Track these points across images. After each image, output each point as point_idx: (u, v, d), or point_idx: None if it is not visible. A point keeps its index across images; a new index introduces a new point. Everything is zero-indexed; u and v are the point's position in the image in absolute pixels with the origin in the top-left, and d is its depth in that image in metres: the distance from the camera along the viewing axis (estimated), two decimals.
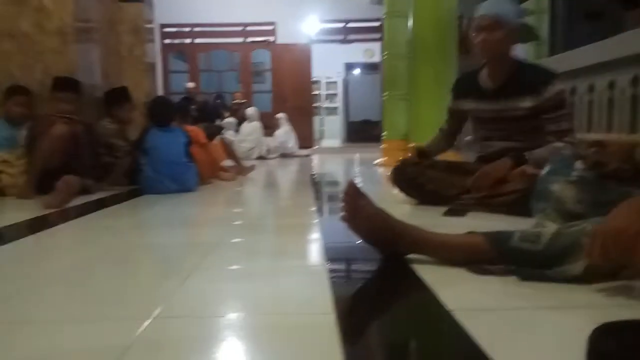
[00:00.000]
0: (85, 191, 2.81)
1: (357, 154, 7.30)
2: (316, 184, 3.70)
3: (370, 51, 11.17)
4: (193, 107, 6.19)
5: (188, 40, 9.86)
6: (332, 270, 1.29)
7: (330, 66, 11.44)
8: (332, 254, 1.47)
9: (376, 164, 5.11)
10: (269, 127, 7.50)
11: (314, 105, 10.40)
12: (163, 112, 3.24)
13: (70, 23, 3.42)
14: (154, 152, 3.04)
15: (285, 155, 7.35)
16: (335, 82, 12.36)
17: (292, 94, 9.40)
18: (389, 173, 2.44)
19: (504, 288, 1.10)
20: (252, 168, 4.50)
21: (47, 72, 3.32)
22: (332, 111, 12.45)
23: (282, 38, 9.71)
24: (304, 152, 7.89)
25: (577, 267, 1.06)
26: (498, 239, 1.19)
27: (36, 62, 3.38)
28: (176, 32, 9.75)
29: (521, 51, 2.26)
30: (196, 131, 3.75)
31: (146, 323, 0.94)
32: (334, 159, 6.95)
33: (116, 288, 1.22)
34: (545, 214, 1.45)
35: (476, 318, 0.93)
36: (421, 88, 3.90)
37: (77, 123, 3.05)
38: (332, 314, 0.97)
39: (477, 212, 2.05)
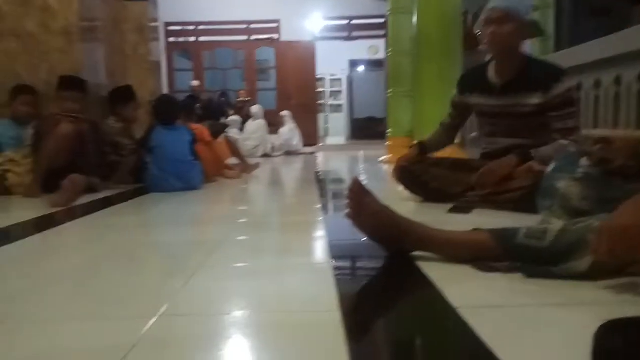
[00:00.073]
0: (91, 190, 2.83)
1: (362, 151, 7.29)
2: (321, 182, 3.70)
3: (374, 48, 11.15)
4: (198, 105, 6.20)
5: (192, 39, 9.87)
6: (337, 268, 1.30)
7: (334, 63, 11.42)
8: (337, 252, 1.47)
9: (381, 161, 5.10)
10: (274, 124, 7.50)
11: (319, 102, 10.39)
12: (168, 110, 3.25)
13: (76, 22, 3.43)
14: (159, 151, 3.05)
15: (289, 153, 7.36)
16: (339, 80, 12.34)
17: (296, 92, 9.40)
18: (393, 170, 2.43)
19: (510, 285, 1.10)
20: (256, 166, 4.50)
21: (52, 71, 3.34)
22: (336, 108, 12.45)
23: (286, 35, 9.71)
24: (309, 149, 7.89)
25: (583, 264, 1.06)
26: (504, 236, 1.19)
27: (42, 62, 3.40)
28: (180, 30, 9.76)
29: (527, 47, 2.25)
30: (201, 129, 3.76)
31: (152, 321, 0.94)
32: (338, 156, 6.95)
33: (122, 286, 1.23)
34: (551, 211, 1.45)
35: (482, 315, 0.93)
36: (426, 85, 3.89)
37: (83, 122, 3.07)
38: (337, 312, 0.97)
39: (483, 210, 2.04)
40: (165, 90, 7.69)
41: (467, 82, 2.36)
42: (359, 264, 1.46)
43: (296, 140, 7.63)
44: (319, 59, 9.66)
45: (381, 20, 8.36)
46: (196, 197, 2.88)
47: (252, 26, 9.78)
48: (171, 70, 9.61)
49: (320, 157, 6.91)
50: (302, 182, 4.05)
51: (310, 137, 8.72)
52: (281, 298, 1.10)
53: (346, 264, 1.44)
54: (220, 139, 4.48)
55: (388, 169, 4.25)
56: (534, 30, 2.24)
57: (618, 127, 2.71)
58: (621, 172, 1.32)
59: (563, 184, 1.42)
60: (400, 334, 0.96)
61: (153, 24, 4.75)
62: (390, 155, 5.02)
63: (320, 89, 10.99)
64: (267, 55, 9.80)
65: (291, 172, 5.10)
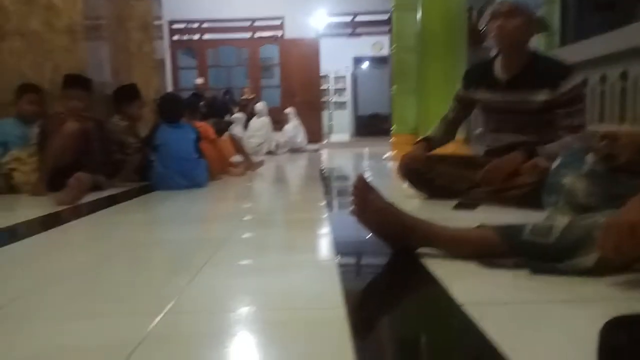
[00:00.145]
0: (96, 188, 2.84)
1: (366, 148, 7.28)
2: (325, 179, 3.70)
3: (378, 44, 11.12)
4: (202, 103, 6.21)
5: (196, 37, 9.88)
6: (342, 265, 1.30)
7: (338, 60, 11.41)
8: (341, 249, 1.47)
9: (385, 158, 5.09)
10: (278, 122, 7.50)
11: (323, 99, 10.38)
12: (172, 108, 3.26)
13: (80, 21, 3.44)
14: (164, 149, 3.06)
15: (294, 151, 7.36)
16: (343, 76, 12.33)
17: (300, 89, 9.39)
18: (398, 167, 2.43)
19: (515, 282, 1.10)
20: (261, 163, 4.51)
21: (57, 70, 3.35)
22: (340, 105, 12.43)
23: (290, 32, 9.69)
24: (313, 146, 7.89)
25: (589, 260, 1.06)
26: (509, 232, 1.18)
27: (46, 60, 3.41)
28: (184, 28, 9.77)
29: (532, 41, 2.23)
30: (205, 127, 3.77)
31: (158, 318, 0.95)
32: (343, 153, 6.95)
33: (128, 284, 1.23)
34: (557, 207, 1.44)
35: (487, 312, 0.93)
36: (430, 81, 3.87)
37: (88, 120, 3.08)
38: (342, 309, 0.97)
39: (488, 206, 2.04)
40: (169, 88, 7.71)
41: (473, 76, 2.34)
42: (363, 261, 1.46)
43: (300, 138, 7.62)
44: (323, 56, 9.64)
45: (385, 17, 8.33)
46: (201, 194, 2.89)
47: (256, 23, 9.77)
48: (175, 69, 9.63)
49: (324, 154, 6.90)
50: (307, 179, 4.05)
51: (315, 134, 8.71)
52: (286, 295, 1.10)
53: (351, 260, 1.45)
54: (225, 136, 4.49)
55: (392, 165, 4.24)
56: (541, 25, 2.23)
57: (624, 122, 2.70)
58: (627, 168, 1.31)
59: (569, 180, 1.41)
60: (405, 331, 0.96)
61: (157, 22, 4.75)
62: (395, 152, 5.01)
63: (324, 86, 10.97)
64: (271, 52, 9.79)
65: (295, 169, 5.10)
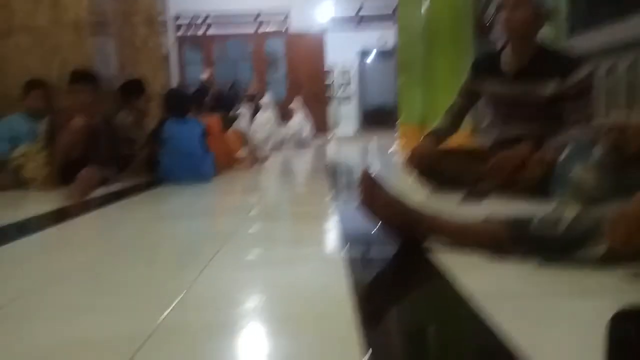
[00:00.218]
0: (105, 182, 2.86)
1: (373, 141, 7.27)
2: (332, 172, 3.70)
3: (385, 37, 11.06)
4: (208, 97, 6.22)
5: (202, 31, 9.88)
6: (349, 257, 1.30)
7: (344, 53, 11.35)
8: (349, 241, 1.48)
9: (392, 150, 5.08)
10: (284, 116, 7.50)
11: (329, 93, 10.36)
12: (178, 103, 3.27)
13: (86, 16, 3.45)
14: (171, 143, 3.07)
15: (300, 144, 7.35)
16: (350, 69, 12.28)
17: (306, 82, 9.38)
18: (406, 160, 2.42)
19: (522, 274, 1.10)
20: (267, 157, 4.51)
21: (64, 65, 3.37)
22: (347, 98, 12.39)
23: (295, 26, 9.67)
24: (319, 140, 7.88)
25: (597, 251, 1.05)
26: (516, 224, 1.18)
27: (53, 56, 3.42)
28: (190, 22, 9.77)
29: (540, 32, 2.21)
30: (212, 121, 3.77)
31: (167, 311, 0.96)
32: (349, 146, 6.94)
33: (136, 278, 1.24)
34: (565, 199, 1.44)
35: (494, 304, 0.93)
36: (437, 72, 3.86)
37: (96, 115, 3.10)
38: (350, 301, 0.98)
39: (495, 198, 2.03)
40: (175, 83, 7.72)
41: (480, 68, 2.32)
42: (370, 253, 1.46)
43: (306, 131, 7.61)
44: (329, 49, 9.61)
45: (391, 9, 8.28)
46: (208, 188, 2.90)
47: (261, 17, 9.75)
48: (181, 63, 9.64)
49: (331, 147, 6.90)
50: (313, 172, 4.05)
51: (321, 127, 8.70)
52: (294, 288, 1.10)
53: (358, 253, 1.45)
54: (231, 130, 4.49)
55: (399, 157, 4.23)
56: (549, 16, 2.20)
57: (632, 113, 2.67)
58: (635, 159, 1.30)
59: (577, 172, 1.40)
60: (413, 323, 0.96)
61: (162, 17, 4.75)
62: (402, 144, 5.00)
63: (330, 79, 10.94)
64: (277, 46, 9.77)
65: (302, 162, 5.11)
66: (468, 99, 2.38)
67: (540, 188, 1.77)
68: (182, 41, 9.75)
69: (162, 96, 3.54)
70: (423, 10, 4.01)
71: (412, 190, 2.30)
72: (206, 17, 9.77)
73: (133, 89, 3.59)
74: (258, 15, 9.72)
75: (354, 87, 12.41)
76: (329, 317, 0.92)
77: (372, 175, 1.36)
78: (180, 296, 1.04)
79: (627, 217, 0.95)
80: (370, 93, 12.75)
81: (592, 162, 1.38)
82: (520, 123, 2.19)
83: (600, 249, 1.04)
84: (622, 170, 1.31)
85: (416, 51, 5.00)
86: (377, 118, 11.67)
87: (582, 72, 2.04)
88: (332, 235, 1.68)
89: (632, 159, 1.32)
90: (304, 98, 8.50)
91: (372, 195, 1.34)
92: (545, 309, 0.93)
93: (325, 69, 9.84)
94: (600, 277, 1.04)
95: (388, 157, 4.75)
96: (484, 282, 1.07)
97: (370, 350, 0.77)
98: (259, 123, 7.15)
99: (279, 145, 6.97)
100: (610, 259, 1.05)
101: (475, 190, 2.14)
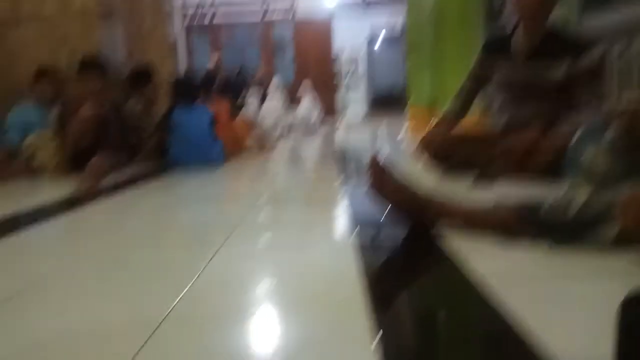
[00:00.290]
0: (116, 169, 2.88)
1: (382, 125, 7.23)
2: (341, 157, 3.70)
3: (393, 20, 10.93)
4: (216, 84, 6.21)
5: (209, 18, 9.83)
6: (359, 242, 1.31)
7: (353, 37, 11.25)
8: (358, 226, 1.48)
9: (402, 134, 5.06)
10: (292, 101, 7.48)
11: (337, 77, 10.31)
12: (186, 90, 3.27)
13: (93, 5, 3.45)
14: (179, 131, 3.09)
15: (308, 129, 7.34)
16: (358, 53, 12.18)
17: (314, 68, 9.34)
18: (416, 144, 2.42)
19: (534, 256, 1.10)
20: (275, 143, 4.52)
21: (72, 53, 3.38)
22: (356, 82, 12.32)
23: (302, 11, 9.58)
24: (328, 125, 7.86)
25: (608, 234, 1.05)
26: (526, 209, 1.18)
27: (61, 44, 3.44)
28: (197, 9, 9.73)
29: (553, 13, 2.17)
30: (220, 107, 3.77)
31: (180, 296, 0.97)
32: (358, 131, 6.91)
33: (148, 264, 1.26)
34: (576, 182, 1.43)
35: (504, 288, 0.93)
36: (446, 54, 3.82)
37: (105, 103, 3.11)
38: (359, 285, 0.98)
39: (505, 183, 2.02)
40: (183, 70, 7.71)
41: (491, 48, 2.29)
42: (380, 238, 1.47)
43: (315, 116, 7.59)
44: (337, 34, 9.54)
45: None
46: (217, 175, 2.91)
47: (268, 3, 9.67)
48: (189, 50, 9.63)
49: (339, 132, 6.88)
50: (322, 157, 4.05)
51: (329, 112, 8.68)
52: (304, 272, 1.11)
53: (367, 238, 1.45)
54: (239, 117, 4.50)
55: (409, 141, 4.21)
56: None
57: None
58: None
59: (589, 154, 1.39)
60: (422, 307, 0.97)
61: (170, 4, 4.73)
62: (411, 127, 4.97)
63: (338, 64, 10.88)
64: (284, 32, 9.72)
65: (310, 148, 5.10)
66: (477, 82, 2.36)
67: (551, 172, 1.76)
68: (189, 27, 9.72)
69: (170, 84, 3.54)
70: None
71: (422, 175, 2.29)
72: (213, 3, 9.71)
73: (141, 77, 3.59)
74: (265, 1, 9.64)
75: (362, 72, 12.32)
76: (339, 301, 0.93)
77: (381, 161, 1.36)
78: (192, 281, 1.05)
79: (638, 200, 0.94)
80: (378, 78, 12.65)
81: (603, 146, 1.36)
82: (531, 106, 2.17)
83: (612, 232, 1.04)
84: (634, 153, 1.30)
85: (425, 33, 4.94)
86: (385, 103, 11.59)
87: (594, 54, 2.01)
88: (341, 220, 1.68)
89: None
90: (312, 83, 8.46)
91: (381, 180, 1.34)
92: (555, 293, 0.93)
93: (333, 54, 9.77)
94: (611, 260, 1.04)
95: (397, 142, 4.73)
96: (494, 266, 1.07)
97: (381, 334, 0.78)
98: (267, 109, 7.14)
99: (287, 131, 6.96)
100: (621, 242, 1.04)
101: (485, 174, 2.13)
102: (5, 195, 2.50)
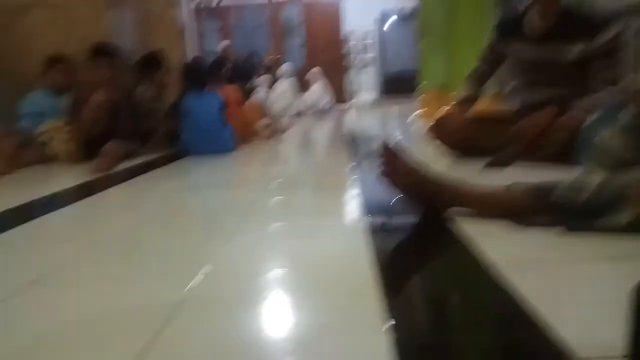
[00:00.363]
0: (129, 156, 2.91)
1: (394, 107, 7.18)
2: (352, 141, 3.69)
3: (404, 1, 10.76)
4: (226, 68, 6.19)
5: (217, 1, 9.79)
6: (370, 227, 1.31)
7: (364, 16, 11.11)
8: (371, 210, 1.49)
9: (414, 116, 5.02)
10: (302, 85, 7.44)
11: (347, 59, 10.23)
12: (196, 76, 3.27)
13: None
14: (191, 116, 3.09)
15: (319, 112, 7.31)
16: (369, 33, 12.03)
17: (324, 50, 9.27)
18: (429, 127, 2.40)
19: (546, 240, 1.09)
20: (286, 127, 4.51)
21: (83, 40, 3.38)
22: (367, 63, 12.19)
23: None
24: (338, 109, 7.82)
25: (623, 217, 1.04)
26: (539, 191, 1.17)
27: (72, 31, 3.44)
28: None
29: None
30: (230, 92, 3.77)
31: (195, 280, 0.99)
32: (369, 113, 6.88)
33: (164, 249, 1.28)
34: (591, 163, 1.41)
35: (517, 271, 0.93)
36: (459, 35, 3.76)
37: (117, 89, 3.12)
38: (371, 270, 0.99)
39: (520, 164, 2.00)
40: (193, 54, 7.67)
41: (504, 29, 2.26)
42: (393, 222, 1.47)
43: (326, 99, 7.55)
44: (347, 13, 9.44)
45: None
46: (229, 160, 2.92)
47: None
48: (200, 34, 9.59)
49: (350, 115, 6.85)
50: (333, 142, 4.04)
51: (340, 96, 8.63)
52: (316, 257, 1.12)
53: (380, 222, 1.46)
54: (250, 101, 4.49)
55: (421, 124, 4.18)
56: None
57: None
58: None
59: (604, 135, 1.37)
60: (434, 292, 0.97)
61: None
62: (424, 109, 4.92)
63: (349, 44, 10.77)
64: (293, 14, 9.64)
65: (322, 132, 5.09)
66: (490, 63, 2.33)
67: (565, 154, 1.74)
68: (198, 11, 9.67)
69: (179, 69, 3.54)
70: None
71: (434, 159, 2.28)
72: None
73: (152, 62, 3.60)
74: None
75: (373, 53, 12.18)
76: (350, 286, 0.94)
77: (393, 144, 1.36)
78: (207, 266, 1.07)
79: None
80: (389, 60, 12.50)
81: (618, 127, 1.34)
82: (547, 85, 2.14)
83: (626, 215, 1.03)
84: None
85: (438, 14, 4.86)
86: (397, 85, 11.46)
87: (609, 33, 1.97)
88: (353, 205, 1.69)
89: None
90: (322, 66, 8.41)
91: (393, 164, 1.33)
92: (567, 276, 0.93)
93: (343, 36, 9.68)
94: (626, 242, 1.03)
95: (408, 126, 4.70)
96: (506, 250, 1.07)
97: (393, 318, 0.79)
98: (278, 93, 7.12)
99: (297, 115, 6.94)
100: (635, 226, 1.03)
101: (498, 157, 2.11)
102: (21, 183, 2.54)
